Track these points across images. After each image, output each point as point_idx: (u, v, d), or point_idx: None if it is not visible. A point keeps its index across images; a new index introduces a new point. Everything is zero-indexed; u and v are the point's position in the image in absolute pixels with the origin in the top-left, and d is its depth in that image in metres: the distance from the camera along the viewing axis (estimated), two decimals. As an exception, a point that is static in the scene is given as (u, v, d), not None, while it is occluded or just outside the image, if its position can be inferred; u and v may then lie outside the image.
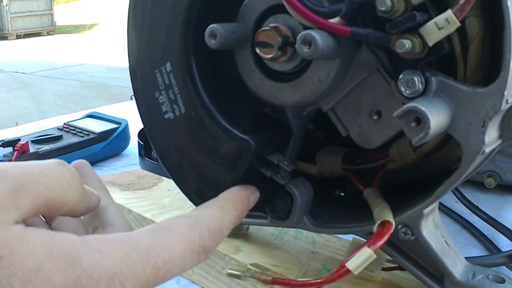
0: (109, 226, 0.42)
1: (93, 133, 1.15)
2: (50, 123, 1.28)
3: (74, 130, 1.17)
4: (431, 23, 0.39)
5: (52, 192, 0.33)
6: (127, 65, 0.57)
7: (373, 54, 0.45)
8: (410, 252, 0.54)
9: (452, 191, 0.79)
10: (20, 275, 0.29)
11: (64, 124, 1.20)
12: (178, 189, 0.57)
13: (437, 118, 0.40)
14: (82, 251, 0.31)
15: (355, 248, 0.47)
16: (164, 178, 0.88)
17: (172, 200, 0.79)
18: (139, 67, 0.55)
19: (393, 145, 0.53)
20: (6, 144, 1.02)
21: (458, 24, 0.39)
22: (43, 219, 0.42)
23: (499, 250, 0.75)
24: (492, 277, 0.53)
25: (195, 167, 0.54)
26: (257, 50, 0.47)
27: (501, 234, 0.79)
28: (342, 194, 0.63)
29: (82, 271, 0.30)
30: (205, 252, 0.39)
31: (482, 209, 0.85)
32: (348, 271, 0.45)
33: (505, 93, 0.40)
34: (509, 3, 0.40)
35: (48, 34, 15.30)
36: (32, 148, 1.04)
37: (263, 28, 0.46)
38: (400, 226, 0.52)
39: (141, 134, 1.10)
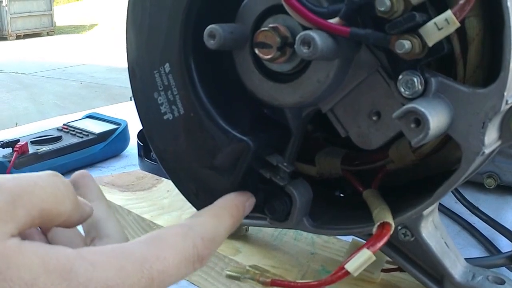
0: (105, 237, 0.42)
1: (93, 133, 1.15)
2: (49, 124, 1.28)
3: (73, 130, 1.17)
4: (430, 24, 0.39)
5: (46, 204, 0.33)
6: (126, 65, 0.57)
7: (373, 54, 0.45)
8: (409, 253, 0.54)
9: (452, 192, 0.79)
10: None
11: (64, 124, 1.20)
12: (177, 190, 0.57)
13: (436, 119, 0.40)
14: (77, 264, 0.31)
15: (355, 249, 0.47)
16: (163, 179, 0.87)
17: (172, 201, 0.79)
18: (138, 67, 0.55)
19: (392, 146, 0.53)
20: (5, 145, 1.01)
21: (457, 24, 0.39)
22: (39, 229, 0.42)
23: (499, 251, 0.75)
24: (492, 278, 0.53)
25: (194, 168, 0.53)
26: (256, 51, 0.47)
27: (501, 235, 0.79)
28: (341, 195, 0.63)
29: (77, 285, 0.30)
30: (199, 260, 0.39)
31: (482, 210, 0.84)
32: (347, 273, 0.45)
33: (505, 93, 0.40)
34: (509, 3, 0.39)
35: (48, 34, 15.30)
36: (32, 149, 1.04)
37: (262, 29, 0.46)
38: (399, 227, 0.52)
39: (140, 135, 1.09)
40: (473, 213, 0.85)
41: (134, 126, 1.13)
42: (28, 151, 1.02)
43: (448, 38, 0.41)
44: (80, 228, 0.42)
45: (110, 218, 0.44)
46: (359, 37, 0.41)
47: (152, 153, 1.02)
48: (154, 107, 0.54)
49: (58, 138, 1.12)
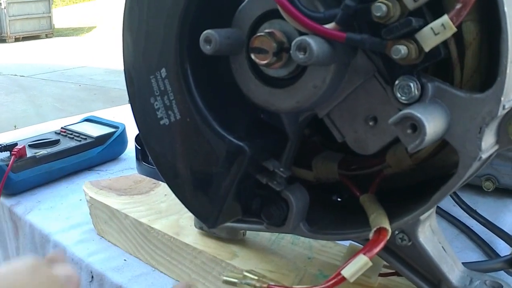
0: None
1: (91, 137, 1.14)
2: (47, 127, 1.28)
3: (71, 134, 1.16)
4: (427, 29, 0.39)
5: None
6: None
7: (369, 59, 0.45)
8: (407, 258, 0.53)
9: (450, 195, 0.79)
10: None
11: (62, 128, 1.20)
12: (174, 195, 0.57)
13: (433, 124, 0.40)
14: None
15: (352, 253, 0.47)
16: (161, 183, 0.87)
17: (169, 205, 0.79)
18: (134, 72, 0.55)
19: (389, 150, 0.53)
20: (3, 148, 1.01)
21: (454, 29, 0.38)
22: None
23: (497, 254, 0.75)
24: (489, 283, 0.53)
25: (190, 173, 0.53)
26: (252, 56, 0.46)
27: (499, 238, 0.79)
28: (338, 199, 0.63)
29: None
30: None
31: (480, 213, 0.84)
32: (343, 278, 0.45)
33: (502, 98, 0.40)
34: (506, 8, 0.39)
35: (46, 37, 15.28)
36: (29, 153, 1.04)
37: (258, 34, 0.46)
38: (396, 232, 0.52)
39: (138, 139, 1.09)
40: (471, 216, 0.85)
41: (132, 129, 1.13)
42: (26, 154, 1.02)
43: (445, 43, 0.41)
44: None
45: None
46: (355, 42, 0.41)
47: (149, 157, 1.02)
48: (151, 112, 0.54)
49: (56, 142, 1.11)
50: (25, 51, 12.40)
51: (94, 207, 0.83)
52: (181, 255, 0.69)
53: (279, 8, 0.43)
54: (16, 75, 9.27)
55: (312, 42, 0.41)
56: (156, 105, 0.53)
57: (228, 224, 0.59)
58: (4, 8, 14.03)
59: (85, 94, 7.67)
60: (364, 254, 0.45)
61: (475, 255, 0.77)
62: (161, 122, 0.53)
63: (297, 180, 0.55)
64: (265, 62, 0.46)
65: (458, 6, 0.38)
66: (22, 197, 0.99)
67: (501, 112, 0.41)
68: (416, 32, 0.39)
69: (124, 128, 1.19)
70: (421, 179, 0.55)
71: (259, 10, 0.48)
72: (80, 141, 1.13)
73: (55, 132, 1.19)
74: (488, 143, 0.43)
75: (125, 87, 0.56)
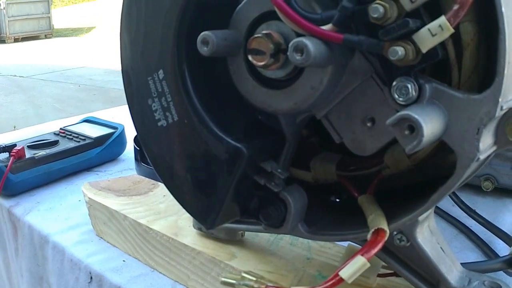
0: None
1: (90, 138, 1.14)
2: (46, 128, 1.28)
3: (70, 135, 1.16)
4: (424, 30, 0.39)
5: None
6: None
7: (367, 61, 0.45)
8: (405, 258, 0.53)
9: (449, 195, 0.79)
10: None
11: (61, 129, 1.20)
12: (172, 196, 0.57)
13: (430, 125, 0.40)
14: None
15: (351, 254, 0.47)
16: (159, 184, 0.87)
17: (168, 206, 0.79)
18: (132, 74, 0.55)
19: (387, 151, 0.53)
20: (2, 149, 1.01)
21: (452, 30, 0.38)
22: None
23: (496, 254, 0.75)
24: (488, 284, 0.53)
25: (188, 174, 0.53)
26: (250, 58, 0.46)
27: (498, 238, 0.79)
28: (337, 200, 0.63)
29: None
30: None
31: (479, 213, 0.84)
32: (341, 279, 0.45)
33: (500, 99, 0.40)
34: (503, 9, 0.39)
35: (46, 37, 15.29)
36: (28, 154, 1.04)
37: (256, 35, 0.46)
38: (395, 233, 0.52)
39: (137, 140, 1.09)
40: (470, 216, 0.85)
41: (131, 130, 1.13)
42: (25, 155, 1.02)
43: (442, 44, 0.41)
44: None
45: None
46: (353, 44, 0.41)
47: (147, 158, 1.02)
48: (148, 114, 0.54)
49: (55, 143, 1.11)
50: (25, 52, 12.41)
51: (93, 208, 0.83)
52: (180, 255, 0.69)
53: (276, 9, 0.43)
54: (15, 75, 9.28)
55: (309, 43, 0.41)
56: (154, 106, 0.53)
57: (227, 225, 0.59)
58: (3, 8, 14.03)
59: (84, 95, 7.68)
60: (362, 255, 0.45)
61: (474, 255, 0.77)
62: (159, 124, 0.53)
63: (295, 181, 0.55)
64: (262, 63, 0.46)
65: (456, 7, 0.38)
66: (21, 198, 0.99)
67: (499, 113, 0.41)
68: (414, 33, 0.39)
69: (123, 129, 1.19)
70: (419, 179, 0.55)
71: (256, 12, 0.48)
72: (79, 142, 1.13)
73: (54, 133, 1.19)
74: (486, 144, 0.43)
75: (124, 88, 0.56)
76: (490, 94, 0.40)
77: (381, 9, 0.39)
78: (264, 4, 0.47)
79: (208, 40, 0.46)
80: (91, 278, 0.76)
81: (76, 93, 7.86)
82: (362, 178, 0.56)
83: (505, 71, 0.40)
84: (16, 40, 14.55)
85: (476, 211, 0.85)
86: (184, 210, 0.56)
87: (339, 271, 0.45)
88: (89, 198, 0.83)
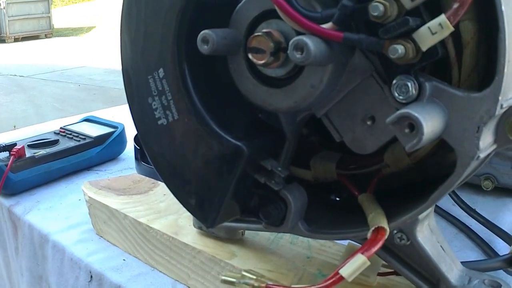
0: None
1: (90, 137, 1.14)
2: (46, 127, 1.28)
3: (70, 134, 1.16)
4: (424, 28, 0.39)
5: None
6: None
7: (367, 59, 0.45)
8: (405, 257, 0.54)
9: (449, 194, 0.79)
10: None
11: (61, 128, 1.20)
12: (173, 194, 0.57)
13: (430, 124, 0.40)
14: None
15: (351, 253, 0.47)
16: (160, 182, 0.87)
17: (168, 205, 0.79)
18: (132, 72, 0.55)
19: (387, 150, 0.53)
20: (2, 148, 1.01)
21: (451, 29, 0.38)
22: None
23: (496, 254, 0.75)
24: (488, 282, 0.53)
25: (188, 173, 0.53)
26: (250, 56, 0.46)
27: (498, 237, 0.79)
28: (337, 199, 0.63)
29: None
30: None
31: (479, 212, 0.84)
32: (342, 278, 0.45)
33: (500, 98, 0.40)
34: (503, 7, 0.39)
35: (46, 37, 15.29)
36: (28, 153, 1.04)
37: (256, 34, 0.46)
38: (395, 231, 0.52)
39: (137, 139, 1.09)
40: (470, 215, 0.85)
41: (131, 129, 1.13)
42: (25, 154, 1.02)
43: (442, 42, 0.41)
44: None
45: None
46: (353, 42, 0.41)
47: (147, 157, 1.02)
48: (149, 112, 0.54)
49: (55, 142, 1.11)
50: (25, 51, 12.40)
51: (93, 207, 0.83)
52: (180, 254, 0.69)
53: (276, 8, 0.43)
54: (15, 75, 9.27)
55: (309, 42, 0.41)
56: (154, 105, 0.53)
57: (227, 223, 0.59)
58: (4, 8, 14.03)
59: (84, 94, 7.68)
60: (362, 253, 0.45)
61: (474, 254, 0.77)
62: (159, 122, 0.53)
63: (295, 179, 0.55)
64: (262, 62, 0.46)
65: (456, 5, 0.38)
66: (21, 197, 0.99)
67: (498, 111, 0.41)
68: (414, 32, 0.39)
69: (123, 128, 1.19)
70: (419, 178, 0.55)
71: (256, 10, 0.48)
72: (79, 141, 1.13)
73: (54, 132, 1.18)
74: (486, 142, 0.43)
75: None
76: (490, 93, 0.40)
77: (381, 8, 0.39)
78: (264, 3, 0.47)
79: (208, 39, 0.46)
80: (91, 277, 0.76)
81: (76, 93, 7.86)
82: (362, 177, 0.56)
83: (505, 70, 0.40)
84: (16, 39, 14.55)
85: (476, 210, 0.85)
86: (184, 209, 0.56)
87: (339, 269, 0.45)
88: (89, 197, 0.83)
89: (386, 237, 0.47)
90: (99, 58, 10.73)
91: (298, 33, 0.43)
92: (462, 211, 0.86)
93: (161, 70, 0.52)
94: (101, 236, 0.83)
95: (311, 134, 0.60)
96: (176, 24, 0.50)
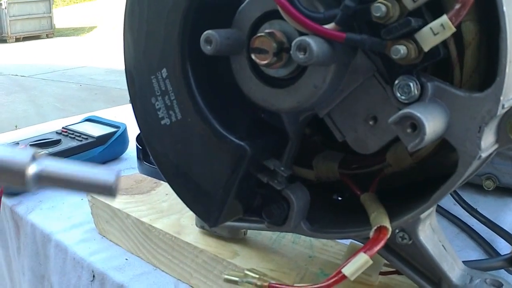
0: None
1: (92, 137, 1.14)
2: (48, 127, 1.28)
3: (72, 134, 1.16)
4: (426, 29, 0.39)
5: None
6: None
7: (369, 59, 0.45)
8: (407, 256, 0.54)
9: (450, 194, 0.79)
10: None
11: (63, 128, 1.20)
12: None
13: (432, 124, 0.40)
14: None
15: (353, 252, 0.47)
16: (162, 182, 0.88)
17: (170, 204, 0.79)
18: (135, 72, 0.55)
19: (390, 149, 0.53)
20: (4, 148, 1.01)
21: (453, 29, 0.39)
22: None
23: (497, 253, 0.75)
24: (489, 281, 0.53)
25: (191, 173, 0.53)
26: (253, 56, 0.47)
27: (499, 237, 0.79)
28: (339, 198, 0.63)
29: None
30: None
31: (481, 212, 0.84)
32: (344, 276, 0.45)
33: (501, 98, 0.40)
34: (504, 8, 0.39)
35: (47, 37, 15.30)
36: (31, 153, 1.04)
37: (258, 34, 0.46)
38: (397, 231, 0.52)
39: (139, 138, 1.09)
40: (471, 215, 0.85)
41: (133, 129, 1.13)
42: (27, 154, 1.02)
43: (444, 43, 0.41)
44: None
45: None
46: (355, 43, 0.42)
47: (151, 157, 1.02)
48: (152, 112, 0.54)
49: (57, 142, 1.11)
50: (26, 51, 12.41)
51: (96, 206, 0.83)
52: (182, 254, 0.69)
53: (279, 8, 0.43)
54: (16, 75, 9.28)
55: (312, 42, 0.41)
56: (157, 105, 0.53)
57: (229, 223, 0.59)
58: (5, 8, 14.04)
59: (86, 94, 7.68)
60: (365, 252, 0.45)
61: (476, 254, 0.77)
62: (162, 122, 0.53)
63: (298, 179, 0.56)
64: (265, 62, 0.46)
65: (457, 6, 0.38)
66: (24, 197, 0.99)
67: (500, 111, 0.41)
68: (416, 32, 0.40)
69: (125, 128, 1.19)
70: (421, 178, 0.55)
71: (259, 11, 0.48)
72: (81, 141, 1.13)
73: (56, 132, 1.19)
74: (488, 142, 0.43)
75: (126, 87, 0.57)
76: (492, 93, 0.40)
77: (384, 8, 0.39)
78: (267, 4, 0.47)
79: (212, 39, 0.47)
80: (93, 276, 0.76)
81: (77, 93, 7.86)
82: (364, 177, 0.56)
83: (507, 70, 0.40)
84: (17, 39, 14.55)
85: (478, 210, 0.85)
86: (186, 209, 0.56)
87: (342, 268, 0.45)
88: (91, 196, 0.83)
89: (388, 236, 0.47)
90: (100, 58, 10.73)
91: (301, 34, 0.43)
92: (463, 210, 0.86)
93: (164, 70, 0.52)
94: (104, 236, 0.83)
95: (314, 134, 0.61)
96: (179, 24, 0.50)
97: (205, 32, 0.47)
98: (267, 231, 0.68)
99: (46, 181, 0.36)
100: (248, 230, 0.69)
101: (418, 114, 0.39)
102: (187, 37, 0.51)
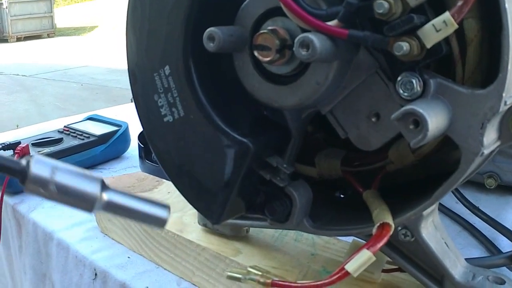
0: None
1: (94, 135, 1.15)
2: (50, 126, 1.28)
3: (74, 132, 1.17)
4: (428, 25, 0.39)
5: None
6: (127, 67, 0.57)
7: (371, 56, 0.45)
8: (409, 253, 0.54)
9: (452, 191, 0.79)
10: None
11: (65, 126, 1.20)
12: (178, 192, 0.57)
13: (435, 120, 0.40)
14: None
15: (355, 249, 0.47)
16: (164, 180, 0.88)
17: (173, 202, 0.79)
18: (138, 70, 0.55)
19: (392, 147, 0.53)
20: (6, 147, 1.01)
21: (455, 26, 0.39)
22: None
23: (499, 251, 0.75)
24: (492, 278, 0.53)
25: (194, 170, 0.54)
26: (256, 53, 0.47)
27: (501, 235, 0.79)
28: (341, 195, 0.63)
29: None
30: None
31: (483, 210, 0.84)
32: (347, 273, 0.45)
33: (504, 94, 0.40)
34: (507, 5, 0.40)
35: (48, 36, 15.30)
36: (33, 151, 1.04)
37: (261, 31, 0.46)
38: (399, 228, 0.52)
39: (141, 137, 1.09)
40: (473, 213, 0.85)
41: (135, 127, 1.13)
42: (29, 153, 1.02)
43: (446, 40, 0.41)
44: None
45: None
46: (358, 39, 0.42)
47: (153, 155, 1.02)
48: (155, 109, 0.54)
49: (59, 140, 1.11)
50: (27, 51, 12.41)
51: (98, 205, 0.83)
52: (185, 252, 0.69)
53: (282, 5, 0.43)
54: (18, 74, 9.28)
55: (315, 39, 0.41)
56: (160, 102, 0.53)
57: (232, 220, 0.59)
58: (6, 8, 14.04)
59: (87, 94, 7.69)
60: (368, 249, 0.46)
61: (478, 252, 0.77)
62: (165, 119, 0.54)
63: (300, 176, 0.56)
64: (268, 59, 0.46)
65: (460, 3, 0.38)
66: (26, 196, 0.99)
67: (502, 108, 0.41)
68: (418, 29, 0.40)
69: (127, 127, 1.19)
70: (423, 175, 0.55)
71: (261, 8, 0.48)
72: (83, 139, 1.13)
73: (58, 131, 1.19)
74: (490, 138, 0.43)
75: (126, 86, 0.57)
76: (494, 89, 0.41)
77: (386, 5, 0.39)
78: (270, 1, 0.47)
79: (214, 36, 0.47)
80: (95, 274, 0.76)
81: (78, 92, 7.87)
82: (367, 174, 0.56)
83: (509, 67, 0.40)
84: (18, 39, 14.55)
85: (480, 208, 0.85)
86: (189, 207, 0.56)
87: (345, 264, 0.45)
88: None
89: (391, 232, 0.47)
90: (101, 58, 10.73)
91: (304, 31, 0.43)
92: (465, 209, 0.86)
93: (167, 67, 0.52)
94: (106, 234, 0.83)
95: (316, 131, 0.61)
96: (182, 21, 0.51)
97: (208, 29, 0.47)
98: (269, 229, 0.68)
99: (109, 209, 0.38)
100: (250, 228, 0.69)
101: (421, 111, 0.39)
102: (190, 34, 0.51)
